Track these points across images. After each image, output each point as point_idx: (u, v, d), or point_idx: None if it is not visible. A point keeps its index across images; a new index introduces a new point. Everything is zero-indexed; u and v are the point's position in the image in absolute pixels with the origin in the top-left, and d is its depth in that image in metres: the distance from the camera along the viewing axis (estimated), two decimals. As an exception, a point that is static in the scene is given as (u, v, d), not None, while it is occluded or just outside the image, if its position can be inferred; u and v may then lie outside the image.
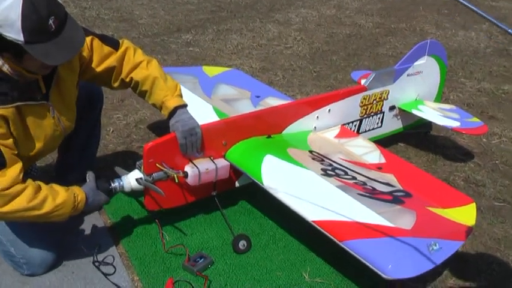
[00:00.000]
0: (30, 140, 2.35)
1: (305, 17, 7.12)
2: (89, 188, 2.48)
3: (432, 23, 7.11)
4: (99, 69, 2.62)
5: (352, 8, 7.61)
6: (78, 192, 2.39)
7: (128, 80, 2.68)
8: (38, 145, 2.40)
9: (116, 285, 2.48)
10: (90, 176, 2.53)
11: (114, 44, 2.65)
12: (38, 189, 2.26)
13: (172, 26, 6.48)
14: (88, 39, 2.54)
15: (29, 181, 2.26)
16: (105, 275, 2.50)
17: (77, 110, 2.64)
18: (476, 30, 6.80)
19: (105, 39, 2.63)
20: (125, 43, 2.69)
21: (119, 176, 2.64)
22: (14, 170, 2.20)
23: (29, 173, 2.72)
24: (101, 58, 2.60)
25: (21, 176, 2.22)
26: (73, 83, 2.54)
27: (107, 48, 2.61)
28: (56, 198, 2.29)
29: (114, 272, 2.53)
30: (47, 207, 2.27)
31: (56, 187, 2.34)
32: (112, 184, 2.59)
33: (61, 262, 2.61)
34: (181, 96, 2.71)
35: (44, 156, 2.69)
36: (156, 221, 2.78)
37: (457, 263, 2.66)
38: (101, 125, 3.11)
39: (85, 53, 2.55)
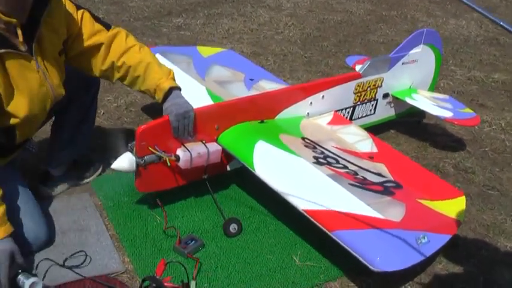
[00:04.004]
0: (15, 92, 2.32)
1: (296, 2, 7.10)
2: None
3: (423, 10, 7.11)
4: (86, 43, 2.62)
5: (343, -6, 7.59)
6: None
7: (119, 63, 2.67)
8: (25, 101, 2.35)
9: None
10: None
11: (106, 25, 2.67)
12: None
13: (163, 9, 6.43)
14: (79, 12, 2.58)
15: None
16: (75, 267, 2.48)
17: (71, 89, 2.64)
18: (467, 18, 6.81)
19: (97, 18, 2.66)
20: (118, 28, 2.71)
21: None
22: None
23: (27, 148, 2.72)
24: (90, 33, 2.61)
25: None
26: (55, 46, 2.52)
27: (97, 25, 2.63)
28: None
29: (83, 262, 2.51)
30: None
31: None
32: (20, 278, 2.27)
33: (52, 243, 2.62)
34: (174, 80, 2.71)
35: (38, 123, 2.62)
36: (158, 200, 2.79)
37: (447, 248, 2.66)
38: (96, 109, 3.07)
39: (74, 25, 2.57)
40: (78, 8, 2.60)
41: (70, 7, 2.57)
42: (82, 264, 2.49)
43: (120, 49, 2.66)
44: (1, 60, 2.23)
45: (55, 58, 2.53)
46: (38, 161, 3.09)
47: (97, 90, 3.00)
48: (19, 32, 2.30)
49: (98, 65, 2.70)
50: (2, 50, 2.22)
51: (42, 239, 2.55)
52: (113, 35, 2.66)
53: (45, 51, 2.45)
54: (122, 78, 2.74)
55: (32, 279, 2.22)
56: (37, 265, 2.44)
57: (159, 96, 2.67)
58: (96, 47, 2.65)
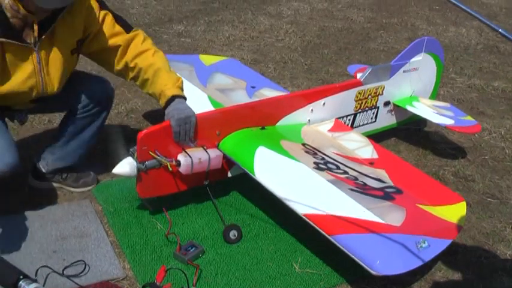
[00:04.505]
0: (3, 74, 2.44)
1: (297, 9, 7.12)
2: None
3: (423, 18, 7.12)
4: (104, 44, 2.70)
5: (344, 2, 7.60)
6: None
7: (132, 65, 2.73)
8: (10, 83, 2.47)
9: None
10: None
11: (127, 27, 2.74)
12: None
13: (164, 16, 6.45)
14: (102, 13, 2.65)
15: None
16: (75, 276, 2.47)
17: (80, 105, 2.80)
18: (467, 26, 6.83)
19: (119, 19, 2.73)
20: (138, 30, 2.78)
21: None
22: None
23: (16, 120, 2.79)
24: (109, 34, 2.69)
25: None
26: (68, 44, 2.60)
27: (117, 27, 2.70)
28: None
29: (83, 271, 2.49)
30: None
31: None
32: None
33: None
34: (181, 89, 2.74)
35: (19, 101, 2.66)
36: (164, 209, 2.81)
37: (446, 256, 2.67)
38: (102, 128, 3.07)
39: (94, 25, 2.65)
40: (102, 8, 2.67)
41: (94, 6, 2.64)
42: (81, 273, 2.47)
43: (135, 51, 2.73)
44: (1, 46, 2.36)
45: (65, 55, 2.59)
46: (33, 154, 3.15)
47: (107, 110, 3.04)
48: (35, 27, 2.40)
49: (114, 65, 2.78)
50: (3, 40, 2.34)
51: (9, 161, 2.48)
52: (131, 37, 2.73)
53: (55, 47, 2.53)
54: (135, 79, 2.81)
55: (33, 285, 2.21)
56: (37, 271, 2.43)
57: (162, 102, 2.70)
58: (114, 49, 2.72)
